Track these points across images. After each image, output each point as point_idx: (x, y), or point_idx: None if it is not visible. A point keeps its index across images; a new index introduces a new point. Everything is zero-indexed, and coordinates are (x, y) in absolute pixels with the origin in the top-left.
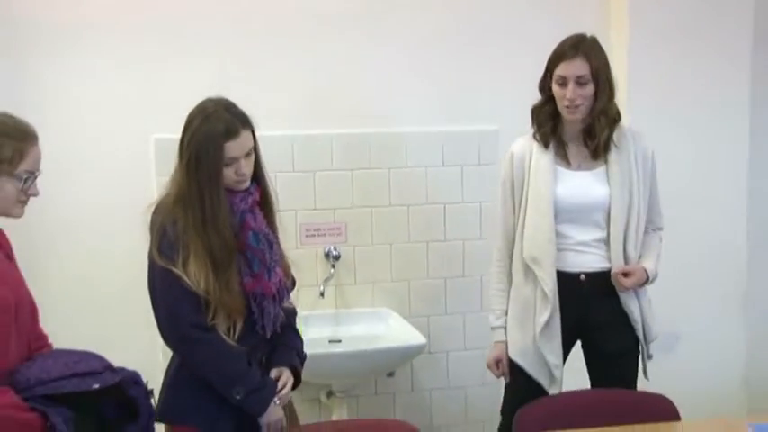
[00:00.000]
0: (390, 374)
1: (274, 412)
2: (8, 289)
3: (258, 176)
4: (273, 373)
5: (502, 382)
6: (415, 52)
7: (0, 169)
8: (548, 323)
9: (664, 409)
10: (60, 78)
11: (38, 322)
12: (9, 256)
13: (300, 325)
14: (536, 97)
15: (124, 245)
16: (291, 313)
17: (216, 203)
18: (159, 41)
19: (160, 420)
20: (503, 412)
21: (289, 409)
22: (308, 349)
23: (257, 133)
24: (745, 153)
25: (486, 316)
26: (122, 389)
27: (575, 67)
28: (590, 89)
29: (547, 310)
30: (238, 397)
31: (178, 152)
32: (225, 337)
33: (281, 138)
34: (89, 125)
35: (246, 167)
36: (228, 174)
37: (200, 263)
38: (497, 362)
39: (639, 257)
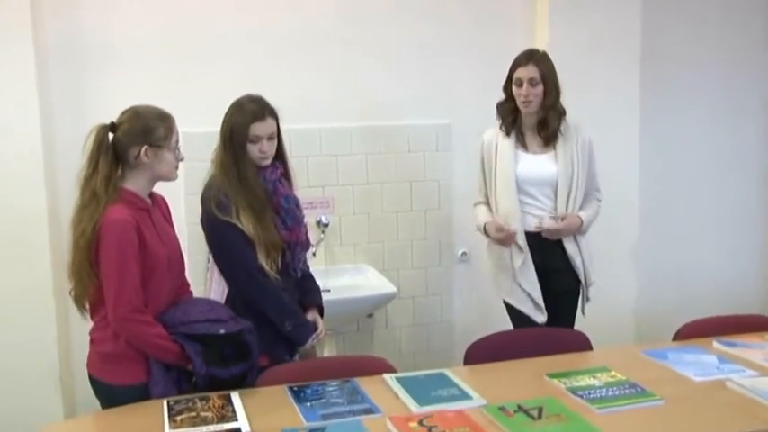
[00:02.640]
0: (369, 316)
1: (308, 343)
2: (163, 245)
3: (281, 156)
4: (310, 317)
5: (455, 320)
6: (390, 62)
7: (161, 145)
8: (523, 264)
9: (580, 342)
10: (111, 84)
11: (184, 272)
12: (167, 218)
13: None
14: (481, 98)
15: None
16: (307, 266)
17: (248, 169)
18: (190, 51)
19: None
20: None
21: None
22: None
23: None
24: (635, 148)
25: (442, 268)
26: (241, 335)
27: (527, 72)
28: (540, 89)
29: (520, 257)
30: (289, 328)
31: (219, 134)
32: (272, 275)
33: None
34: None
35: (268, 147)
36: (253, 150)
37: (246, 213)
38: (498, 228)
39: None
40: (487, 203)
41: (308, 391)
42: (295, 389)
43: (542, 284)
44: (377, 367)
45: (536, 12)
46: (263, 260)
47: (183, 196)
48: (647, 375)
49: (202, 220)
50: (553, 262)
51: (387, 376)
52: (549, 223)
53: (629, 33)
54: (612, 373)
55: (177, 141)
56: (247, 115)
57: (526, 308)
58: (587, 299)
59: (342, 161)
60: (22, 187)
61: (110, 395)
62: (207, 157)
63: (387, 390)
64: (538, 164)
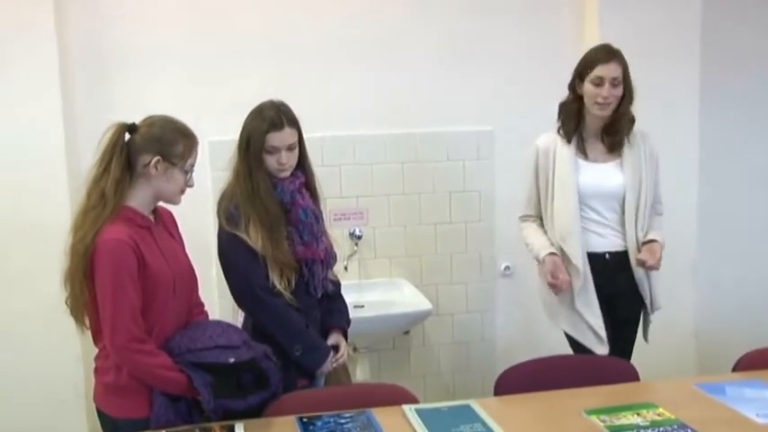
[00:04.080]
0: (406, 332)
1: (326, 367)
2: (167, 264)
3: (303, 166)
4: (331, 340)
5: (497, 339)
6: (427, 65)
7: (175, 163)
8: (583, 289)
9: (626, 371)
10: (137, 91)
11: (196, 291)
12: (172, 234)
13: None
14: (525, 103)
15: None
16: (337, 284)
17: (262, 180)
18: (215, 56)
19: None
20: None
21: (343, 367)
22: None
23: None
24: (695, 156)
25: (483, 284)
26: (255, 362)
27: (610, 70)
28: (620, 90)
29: (579, 279)
30: (298, 353)
31: (237, 141)
32: (286, 295)
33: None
34: None
35: (287, 158)
36: (271, 161)
37: (256, 227)
38: (553, 273)
39: (645, 234)
40: (538, 218)
41: (319, 423)
42: (305, 420)
43: (604, 311)
44: (397, 396)
45: (585, 9)
46: (275, 278)
47: (211, 207)
48: (700, 414)
49: (217, 234)
50: (618, 287)
51: (406, 407)
52: (648, 258)
53: (687, 33)
54: (660, 410)
55: (193, 166)
56: (264, 124)
57: (586, 340)
58: (649, 322)
59: (377, 170)
60: (45, 197)
61: (113, 428)
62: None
63: (404, 423)
64: (602, 174)
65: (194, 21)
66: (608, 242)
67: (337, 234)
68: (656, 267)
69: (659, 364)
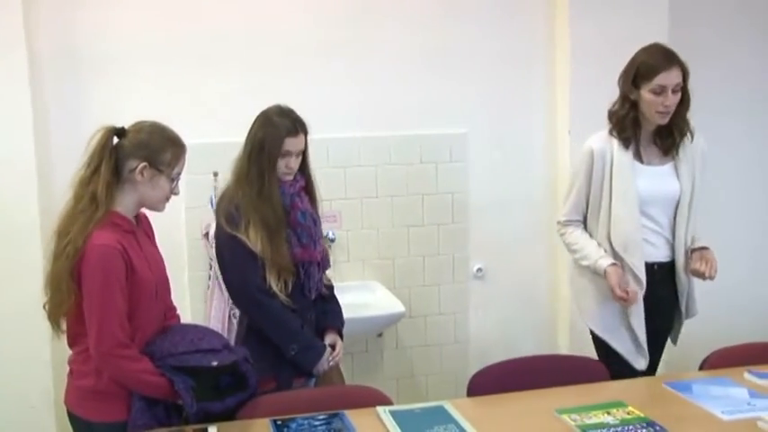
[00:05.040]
0: (379, 335)
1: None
2: (150, 270)
3: (305, 170)
4: (328, 340)
5: (470, 341)
6: (401, 69)
7: (161, 170)
8: (637, 303)
9: (595, 371)
10: (108, 95)
11: (170, 295)
12: (150, 237)
13: None
14: (498, 106)
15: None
16: (330, 287)
17: (271, 184)
18: (187, 64)
19: None
20: None
21: (336, 368)
22: None
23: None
24: None
25: (456, 286)
26: (236, 366)
27: (671, 77)
28: (679, 95)
29: (642, 290)
30: (293, 352)
31: (244, 144)
32: (282, 297)
33: None
34: None
35: (294, 163)
36: (281, 165)
37: (257, 229)
38: (622, 286)
39: (693, 240)
40: (582, 224)
41: (293, 425)
42: (279, 423)
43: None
44: (371, 398)
45: (556, 14)
46: (272, 280)
47: (184, 210)
48: (667, 412)
49: (213, 233)
50: (660, 297)
51: (380, 409)
52: (706, 270)
53: (655, 36)
54: (629, 408)
55: (179, 174)
56: (282, 129)
57: (626, 350)
58: (681, 326)
59: (350, 173)
60: (14, 202)
61: (87, 431)
62: (208, 170)
63: (378, 424)
64: (659, 178)
65: (167, 25)
66: (658, 252)
67: None
68: (712, 277)
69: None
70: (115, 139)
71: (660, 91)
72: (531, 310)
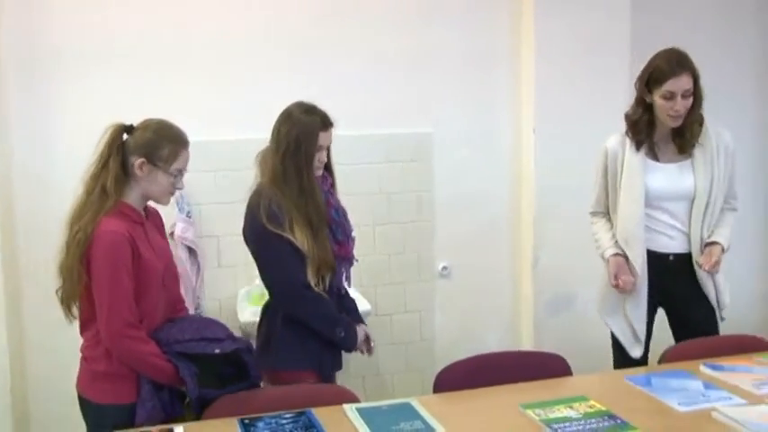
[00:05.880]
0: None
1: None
2: (159, 260)
3: (329, 167)
4: (361, 333)
5: (436, 338)
6: (367, 68)
7: (158, 165)
8: (636, 291)
9: (559, 366)
10: (72, 95)
11: (179, 288)
12: (161, 232)
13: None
14: (464, 106)
15: None
16: (348, 284)
17: (311, 181)
18: (151, 63)
19: (274, 370)
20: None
21: None
22: None
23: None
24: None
25: (421, 284)
26: (238, 354)
27: (682, 83)
28: (691, 100)
29: (637, 281)
30: (342, 335)
31: (273, 145)
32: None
33: (251, 140)
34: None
35: (325, 157)
36: (315, 159)
37: (301, 227)
38: (616, 275)
39: (711, 233)
40: (606, 215)
41: (260, 424)
42: (246, 422)
43: (669, 311)
44: (338, 396)
45: (521, 15)
46: (311, 277)
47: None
48: (628, 405)
49: (245, 231)
50: (682, 288)
51: (347, 407)
52: (704, 263)
53: (618, 35)
54: (591, 402)
55: (180, 170)
56: (316, 123)
57: (623, 337)
58: (722, 319)
59: None
60: None
61: (97, 414)
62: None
63: (346, 422)
64: (672, 175)
65: (132, 24)
66: (675, 244)
67: None
68: (712, 271)
69: (589, 359)
70: (125, 136)
71: (670, 96)
72: (495, 308)
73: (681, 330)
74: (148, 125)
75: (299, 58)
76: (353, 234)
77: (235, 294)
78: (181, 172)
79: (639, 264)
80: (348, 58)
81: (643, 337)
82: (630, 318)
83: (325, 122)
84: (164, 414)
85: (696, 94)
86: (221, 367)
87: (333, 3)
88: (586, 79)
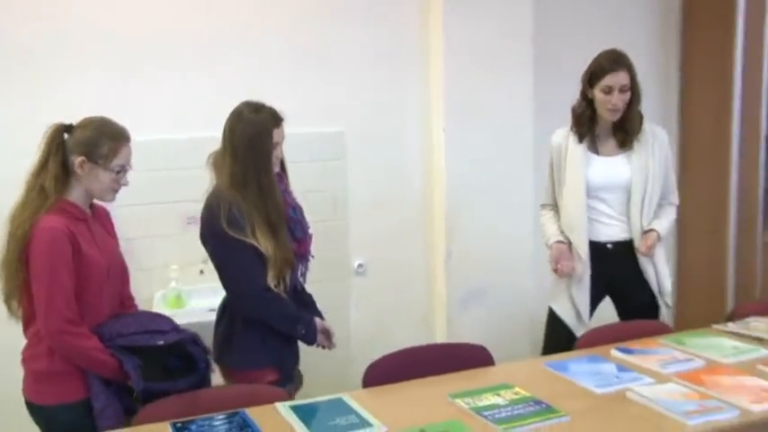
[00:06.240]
0: None
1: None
2: (101, 255)
3: (283, 165)
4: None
5: (351, 336)
6: (278, 67)
7: (98, 163)
8: (580, 278)
9: (482, 357)
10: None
11: (128, 285)
12: (108, 231)
13: (183, 298)
14: (375, 104)
15: None
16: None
17: (270, 180)
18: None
19: (237, 369)
20: (544, 350)
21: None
22: (191, 319)
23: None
24: (530, 151)
25: (337, 282)
26: (183, 346)
27: (618, 78)
28: (628, 95)
29: (581, 266)
30: (303, 332)
31: (226, 146)
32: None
33: (165, 140)
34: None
35: (281, 153)
36: (272, 157)
37: (262, 231)
38: (556, 259)
39: (650, 222)
40: (555, 207)
41: (193, 427)
42: (178, 425)
43: (614, 298)
44: (268, 396)
45: (429, 16)
46: (272, 279)
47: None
48: (550, 390)
49: (205, 235)
50: (624, 274)
51: (279, 405)
52: (640, 246)
53: (522, 35)
54: (516, 389)
55: (123, 166)
56: (268, 121)
57: (569, 319)
58: (667, 306)
59: None
60: None
61: (50, 418)
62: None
63: (281, 420)
64: (611, 167)
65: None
66: (612, 231)
67: (191, 238)
68: (646, 254)
69: (503, 349)
70: (66, 136)
71: (608, 91)
72: (409, 303)
73: (625, 316)
74: (88, 124)
75: (208, 58)
76: (310, 231)
77: (151, 297)
78: (124, 168)
79: (583, 250)
80: (258, 57)
81: (587, 319)
82: (575, 301)
83: (276, 118)
84: (120, 405)
85: (633, 91)
86: (166, 359)
87: (241, 1)
88: (494, 78)
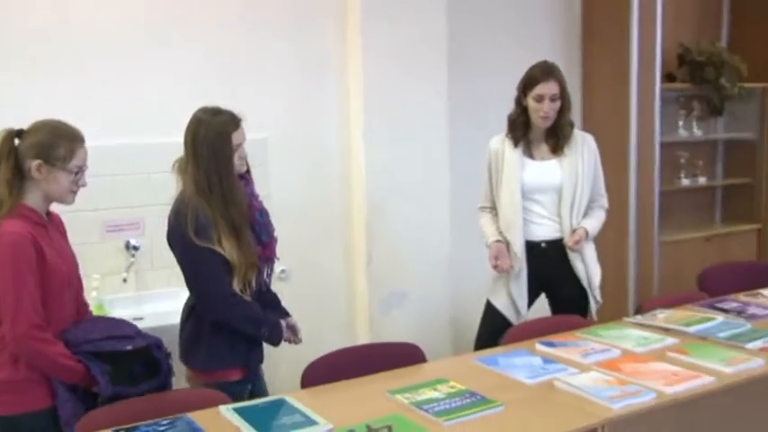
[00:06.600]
0: None
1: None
2: (64, 263)
3: (248, 170)
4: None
5: None
6: (199, 74)
7: (56, 165)
8: (517, 274)
9: (414, 354)
10: None
11: (82, 292)
12: (65, 237)
13: (105, 307)
14: (298, 110)
15: None
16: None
17: (232, 183)
18: None
19: (204, 369)
20: (478, 339)
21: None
22: None
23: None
24: (446, 154)
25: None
26: (149, 351)
27: (549, 88)
28: (558, 104)
29: (517, 264)
30: (267, 334)
31: (189, 153)
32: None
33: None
34: None
35: (244, 153)
36: (234, 160)
37: (228, 237)
38: (496, 257)
39: (580, 222)
40: (493, 210)
41: None
42: None
43: (541, 290)
44: (209, 399)
45: (348, 21)
46: (237, 283)
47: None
48: (483, 383)
49: (171, 240)
50: (556, 270)
51: (223, 408)
52: (568, 241)
53: (436, 42)
54: (451, 383)
55: (80, 167)
56: (227, 124)
57: (507, 311)
58: (596, 301)
59: (153, 179)
60: None
61: (13, 428)
62: None
63: (226, 423)
64: (544, 171)
65: None
66: (545, 231)
67: (112, 246)
68: (573, 249)
69: (425, 347)
70: (17, 141)
71: (539, 99)
72: (332, 307)
73: (557, 310)
74: (38, 127)
75: (127, 65)
76: (275, 234)
77: None
78: (81, 169)
79: (519, 248)
80: (180, 66)
81: (524, 312)
82: (513, 296)
83: (235, 120)
84: (85, 411)
85: (563, 100)
86: (132, 365)
87: (163, 9)
88: (410, 82)
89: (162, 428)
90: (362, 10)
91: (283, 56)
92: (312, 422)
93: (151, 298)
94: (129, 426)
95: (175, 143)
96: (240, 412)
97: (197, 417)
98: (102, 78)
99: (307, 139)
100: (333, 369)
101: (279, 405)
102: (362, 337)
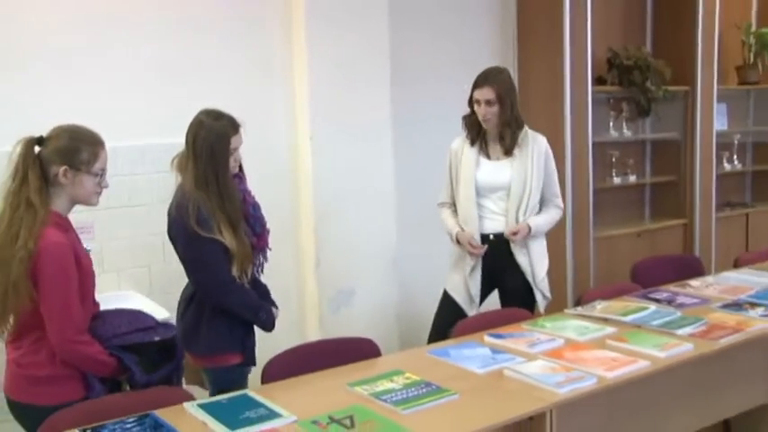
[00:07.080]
0: None
1: None
2: (90, 262)
3: (240, 165)
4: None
5: None
6: (142, 79)
7: (81, 169)
8: (473, 268)
9: (369, 349)
10: None
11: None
12: (78, 238)
13: None
14: (240, 114)
15: None
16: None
17: (227, 182)
18: None
19: (205, 354)
20: (434, 329)
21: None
22: None
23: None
24: (390, 157)
25: None
26: (173, 339)
27: (483, 93)
28: (496, 108)
29: (473, 260)
30: (264, 317)
31: (189, 152)
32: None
33: None
34: None
35: (240, 156)
36: (230, 162)
37: (226, 228)
38: (471, 243)
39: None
40: (453, 206)
41: (104, 431)
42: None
43: (493, 283)
44: (173, 397)
45: (293, 30)
46: (236, 271)
47: None
48: (437, 373)
49: (174, 232)
50: (501, 262)
51: (188, 405)
52: (507, 232)
53: (379, 48)
54: (407, 374)
55: (103, 169)
56: (228, 128)
57: (462, 300)
58: (544, 297)
59: None
60: None
61: (42, 417)
62: None
63: (192, 419)
64: (495, 170)
65: None
66: (495, 225)
67: None
68: (511, 238)
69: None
70: (37, 148)
71: (477, 103)
72: (282, 307)
73: (505, 301)
74: (59, 133)
75: (71, 69)
76: (268, 226)
77: None
78: (104, 171)
79: (476, 239)
80: (125, 71)
81: (477, 300)
82: (468, 285)
83: (235, 126)
84: None
85: (503, 104)
86: (155, 353)
87: (107, 13)
88: (355, 88)
89: (129, 426)
90: (307, 18)
91: (229, 62)
92: (276, 415)
93: (103, 301)
94: (95, 425)
95: (123, 147)
96: (205, 408)
97: (163, 414)
98: (39, 81)
99: (254, 144)
100: (292, 365)
101: (242, 400)
102: (313, 336)
